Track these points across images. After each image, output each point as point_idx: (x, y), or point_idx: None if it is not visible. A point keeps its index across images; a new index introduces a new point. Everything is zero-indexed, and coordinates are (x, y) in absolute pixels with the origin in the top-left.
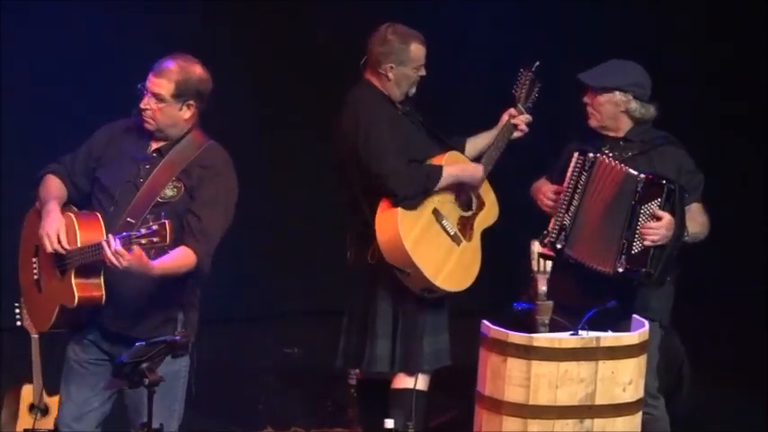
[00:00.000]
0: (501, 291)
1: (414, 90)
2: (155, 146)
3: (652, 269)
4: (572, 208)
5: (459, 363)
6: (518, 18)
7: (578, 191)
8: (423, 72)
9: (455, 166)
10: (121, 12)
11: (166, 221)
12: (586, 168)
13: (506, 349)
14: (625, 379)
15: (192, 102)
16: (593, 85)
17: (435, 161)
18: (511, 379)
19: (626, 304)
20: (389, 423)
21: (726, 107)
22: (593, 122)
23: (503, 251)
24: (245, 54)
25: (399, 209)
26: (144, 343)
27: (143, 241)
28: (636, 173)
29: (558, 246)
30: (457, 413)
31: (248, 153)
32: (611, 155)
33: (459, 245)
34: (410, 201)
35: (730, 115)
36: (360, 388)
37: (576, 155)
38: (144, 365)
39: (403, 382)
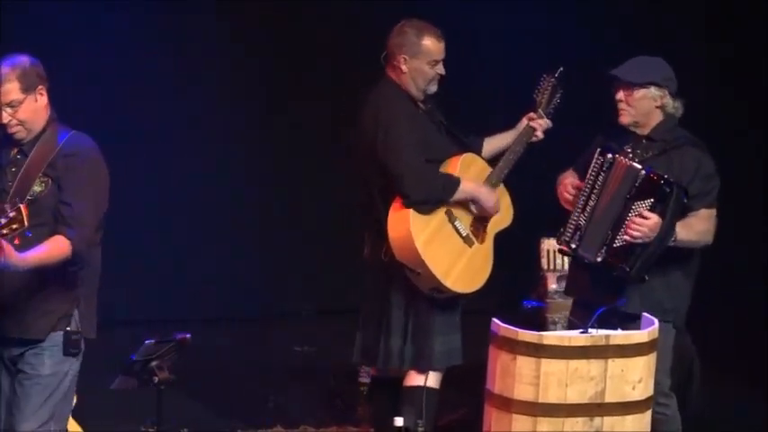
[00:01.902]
0: (514, 289)
1: (434, 88)
2: (16, 148)
3: (629, 266)
4: (588, 208)
5: (469, 360)
6: (518, 20)
7: (595, 191)
8: (441, 69)
9: (472, 184)
10: (122, 12)
11: (21, 205)
12: (605, 169)
13: (516, 347)
14: (635, 377)
15: (40, 86)
16: (632, 81)
17: (452, 161)
18: (521, 377)
19: (639, 304)
20: (399, 421)
21: (726, 107)
22: (625, 119)
23: (517, 249)
24: (246, 54)
25: (412, 208)
26: (153, 341)
27: (4, 231)
28: (639, 167)
29: (573, 245)
30: (467, 411)
31: (250, 154)
32: (630, 154)
33: (471, 246)
34: (423, 206)
35: (730, 115)
36: (370, 386)
37: (597, 153)
38: (154, 363)
39: (414, 379)
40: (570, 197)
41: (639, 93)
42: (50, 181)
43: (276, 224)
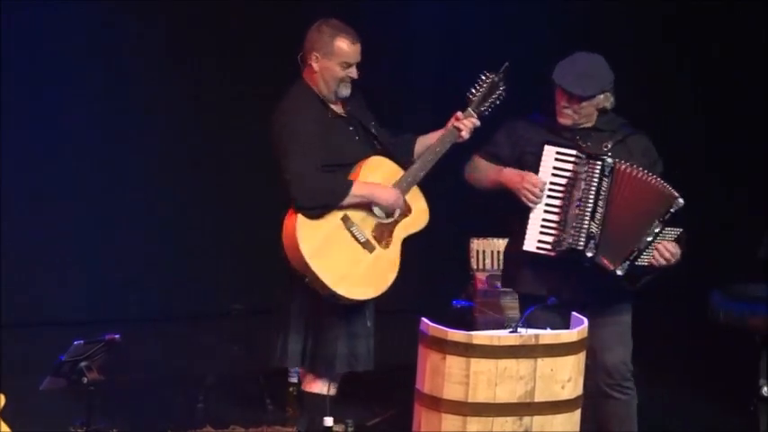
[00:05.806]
0: (443, 289)
1: (345, 91)
2: None
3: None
4: (597, 215)
5: (399, 360)
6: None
7: (601, 197)
8: (352, 73)
9: (367, 186)
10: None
11: None
12: (606, 174)
13: (446, 347)
14: (564, 377)
15: None
16: (582, 95)
17: (357, 166)
18: (450, 377)
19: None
20: (329, 421)
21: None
22: (566, 122)
23: (446, 250)
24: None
25: (300, 214)
26: (82, 342)
27: None
28: (676, 194)
29: (589, 254)
30: (396, 411)
31: (174, 152)
32: (605, 149)
33: (371, 252)
34: (310, 212)
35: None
36: (299, 386)
37: (577, 156)
38: (83, 364)
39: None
40: (535, 198)
41: (586, 102)
42: None
43: (206, 223)
